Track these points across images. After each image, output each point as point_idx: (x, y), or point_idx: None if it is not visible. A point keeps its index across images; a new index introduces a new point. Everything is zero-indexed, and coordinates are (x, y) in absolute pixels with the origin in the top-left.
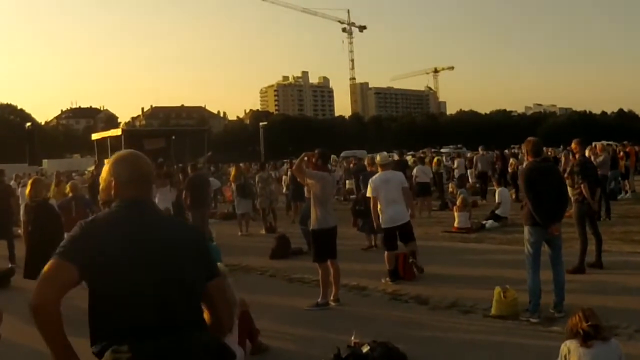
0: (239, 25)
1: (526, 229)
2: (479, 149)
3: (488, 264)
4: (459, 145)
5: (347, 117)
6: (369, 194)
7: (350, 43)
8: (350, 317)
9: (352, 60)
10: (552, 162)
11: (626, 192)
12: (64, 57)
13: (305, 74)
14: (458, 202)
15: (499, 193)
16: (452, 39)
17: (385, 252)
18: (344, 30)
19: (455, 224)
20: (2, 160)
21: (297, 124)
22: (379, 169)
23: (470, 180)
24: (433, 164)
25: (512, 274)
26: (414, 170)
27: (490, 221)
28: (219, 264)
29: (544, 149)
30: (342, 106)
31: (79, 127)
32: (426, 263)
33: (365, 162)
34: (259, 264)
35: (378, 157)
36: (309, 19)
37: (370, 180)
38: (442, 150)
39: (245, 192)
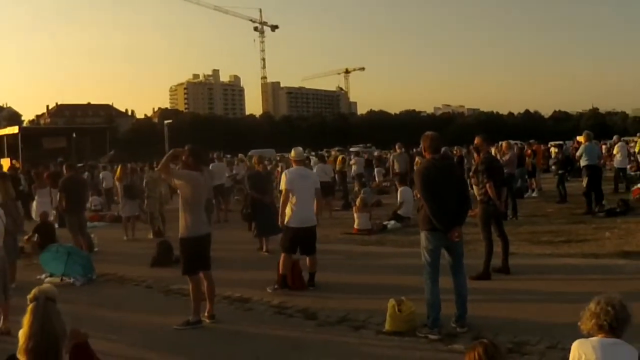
0: (149, 21)
1: (423, 234)
2: (396, 146)
3: (387, 270)
4: (368, 145)
5: (257, 116)
6: (282, 186)
7: (262, 42)
8: (225, 337)
9: (264, 60)
10: (452, 159)
11: (533, 190)
12: None
13: (215, 72)
14: (357, 202)
15: (401, 192)
16: (363, 39)
17: (283, 255)
18: (255, 29)
19: (356, 226)
20: None
21: (206, 123)
22: (293, 165)
23: (377, 179)
24: (337, 163)
25: (412, 281)
26: (314, 169)
27: (392, 222)
28: (46, 283)
29: (452, 148)
30: (253, 105)
31: None
32: (320, 269)
33: (253, 161)
34: (138, 273)
35: (293, 152)
36: (220, 17)
37: (286, 172)
38: (351, 149)
39: (132, 193)
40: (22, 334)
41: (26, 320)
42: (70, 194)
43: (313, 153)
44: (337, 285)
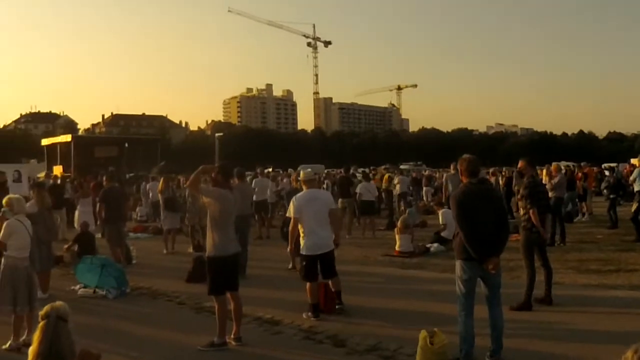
0: (204, 35)
1: (458, 263)
2: (451, 166)
3: (424, 297)
4: (418, 162)
5: (309, 131)
6: (290, 213)
7: (315, 58)
8: None
9: (317, 75)
10: (490, 184)
11: (583, 214)
12: (24, 60)
13: (269, 86)
14: (399, 223)
15: (442, 214)
16: (416, 56)
17: (307, 284)
18: (309, 44)
19: (397, 247)
20: None
21: (258, 137)
22: (304, 187)
23: (425, 198)
24: (384, 181)
25: (449, 310)
26: (358, 188)
27: (435, 245)
28: (59, 302)
29: (503, 168)
30: (305, 120)
31: (37, 131)
32: (355, 293)
33: (292, 178)
34: (172, 287)
35: (301, 174)
36: (274, 32)
37: (293, 199)
38: (401, 166)
39: (172, 206)
40: (31, 351)
41: (36, 337)
42: (109, 205)
43: (360, 170)
44: (371, 310)
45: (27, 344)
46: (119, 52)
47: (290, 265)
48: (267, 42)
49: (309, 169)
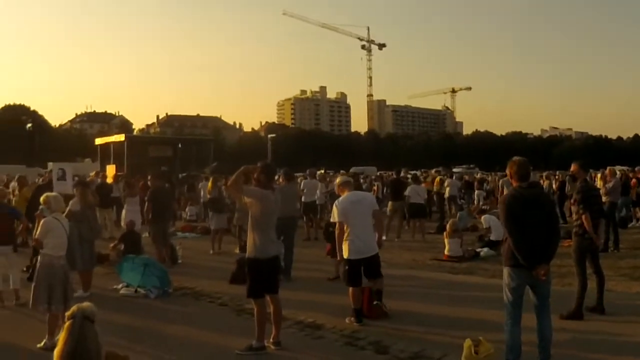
0: (259, 37)
1: (506, 270)
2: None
3: (472, 303)
4: (471, 165)
5: (362, 133)
6: (334, 218)
7: (369, 60)
8: None
9: (370, 77)
10: (541, 188)
11: (638, 220)
12: (80, 60)
13: (323, 88)
14: (448, 227)
15: (484, 219)
16: (470, 59)
17: (350, 289)
18: (363, 47)
19: (446, 252)
20: (6, 161)
21: (311, 138)
22: (341, 191)
23: (476, 202)
24: (435, 184)
25: (497, 317)
26: (407, 190)
27: (485, 249)
28: (87, 303)
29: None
30: (359, 122)
31: (92, 131)
32: (401, 297)
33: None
34: (215, 288)
35: (337, 179)
36: (328, 34)
37: (336, 203)
38: (454, 170)
39: (218, 207)
40: (56, 352)
41: (61, 337)
42: (156, 205)
43: (410, 173)
44: (417, 316)
45: None
46: (174, 53)
47: (334, 275)
48: (321, 44)
49: (342, 177)
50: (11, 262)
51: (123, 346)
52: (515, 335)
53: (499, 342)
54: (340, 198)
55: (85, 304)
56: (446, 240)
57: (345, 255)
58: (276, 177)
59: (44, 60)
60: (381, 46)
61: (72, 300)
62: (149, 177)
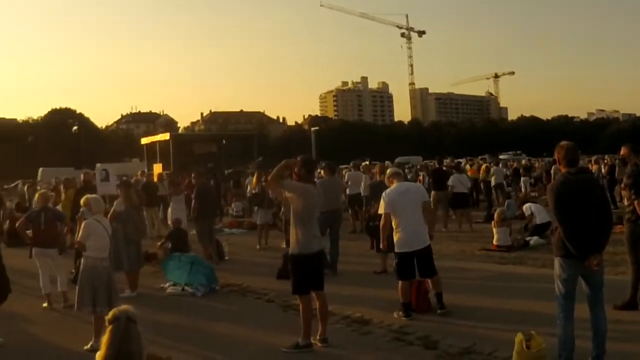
0: (297, 30)
1: (557, 261)
2: None
3: (522, 294)
4: (518, 152)
5: (406, 122)
6: (381, 209)
7: (409, 48)
8: None
9: (411, 66)
10: (591, 173)
11: None
12: (125, 61)
13: (364, 79)
14: (495, 216)
15: (525, 208)
16: (513, 43)
17: (399, 282)
18: (402, 35)
19: (494, 241)
20: (54, 164)
21: (354, 130)
22: (390, 182)
23: (523, 189)
24: (481, 172)
25: (549, 309)
26: (450, 180)
27: (535, 238)
28: (125, 306)
29: (605, 156)
30: (402, 112)
31: (138, 131)
32: (450, 290)
33: (374, 171)
34: (262, 284)
35: (388, 170)
36: (367, 24)
37: (384, 194)
38: (500, 156)
39: (260, 202)
40: (98, 355)
41: (104, 340)
42: (201, 202)
43: (455, 161)
44: (466, 309)
45: None
46: (215, 51)
47: (380, 269)
48: (360, 34)
49: (390, 167)
50: (57, 265)
51: (169, 346)
52: (568, 329)
53: (552, 335)
54: (388, 189)
55: (125, 306)
56: (494, 230)
57: (396, 248)
58: (319, 171)
59: (89, 64)
60: (421, 33)
61: (117, 301)
62: (192, 175)
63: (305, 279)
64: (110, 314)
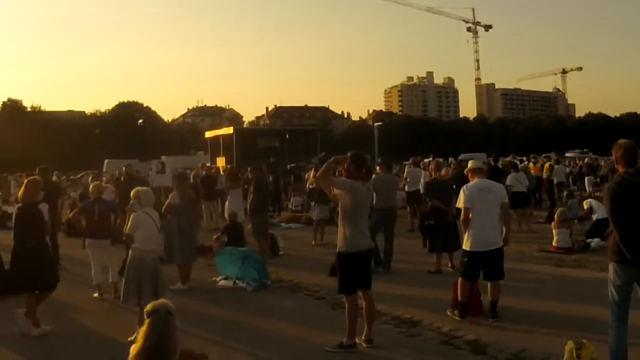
0: (363, 24)
1: (611, 266)
2: None
3: (579, 299)
4: (584, 150)
5: (471, 118)
6: (460, 204)
7: (476, 43)
8: None
9: (477, 61)
10: None
11: None
12: (190, 55)
13: (429, 74)
14: (556, 217)
15: (587, 202)
16: (581, 38)
17: (460, 279)
18: (468, 29)
19: (553, 243)
20: (120, 156)
21: (419, 125)
22: (471, 177)
23: (587, 188)
24: (544, 170)
25: (604, 315)
26: (508, 179)
27: (596, 240)
28: (163, 300)
29: None
30: (468, 107)
31: (204, 125)
32: (504, 292)
33: (430, 168)
34: (314, 281)
35: (470, 163)
36: (433, 18)
37: (464, 188)
38: (566, 154)
39: (321, 197)
40: (134, 347)
41: (142, 333)
42: (257, 196)
43: (519, 159)
44: (519, 313)
45: None
46: (281, 45)
47: (435, 268)
48: (426, 29)
49: (474, 161)
50: (109, 255)
51: (213, 340)
52: (620, 338)
53: (606, 343)
54: (469, 183)
55: (163, 300)
56: (554, 231)
57: (466, 246)
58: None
59: (157, 58)
60: (487, 28)
61: (164, 294)
62: (249, 169)
63: (352, 277)
64: (149, 306)
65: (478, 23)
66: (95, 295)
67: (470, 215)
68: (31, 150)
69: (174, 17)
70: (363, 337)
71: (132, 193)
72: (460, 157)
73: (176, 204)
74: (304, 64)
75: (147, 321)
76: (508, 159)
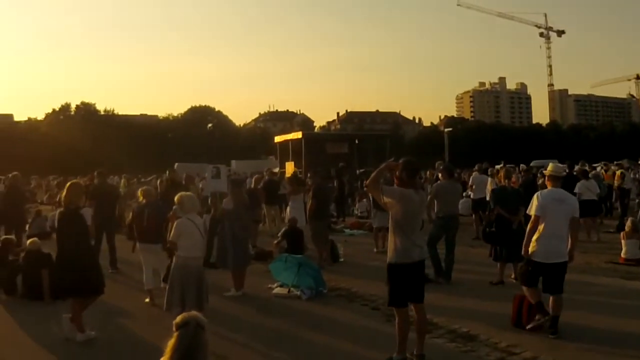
0: (434, 29)
1: None
2: None
3: None
4: None
5: (544, 125)
6: (532, 211)
7: (548, 48)
8: None
9: (550, 66)
10: None
11: None
12: (262, 60)
13: (502, 79)
14: (626, 227)
15: None
16: None
17: (525, 288)
18: (541, 34)
19: (622, 254)
20: (190, 160)
21: (490, 131)
22: (548, 184)
23: None
24: (616, 178)
25: None
26: (577, 187)
27: None
28: (194, 312)
29: None
30: (540, 114)
31: (275, 130)
32: (568, 306)
33: (499, 176)
34: (372, 290)
35: (550, 167)
36: (505, 23)
37: (537, 195)
38: None
39: (377, 203)
40: None
41: (170, 346)
42: (317, 202)
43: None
44: (582, 329)
45: None
46: (351, 51)
47: (497, 280)
48: (498, 34)
49: (557, 163)
50: (160, 260)
51: (259, 350)
52: None
53: None
54: (544, 191)
55: (194, 312)
56: (623, 242)
57: (531, 255)
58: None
59: (229, 63)
60: (560, 33)
61: (207, 302)
62: (309, 175)
63: (402, 290)
64: (179, 318)
65: (550, 28)
66: (147, 300)
67: (540, 224)
68: (102, 153)
69: (248, 23)
70: (414, 352)
71: (175, 198)
72: (531, 164)
73: (230, 209)
74: (376, 69)
75: (175, 334)
76: (577, 166)
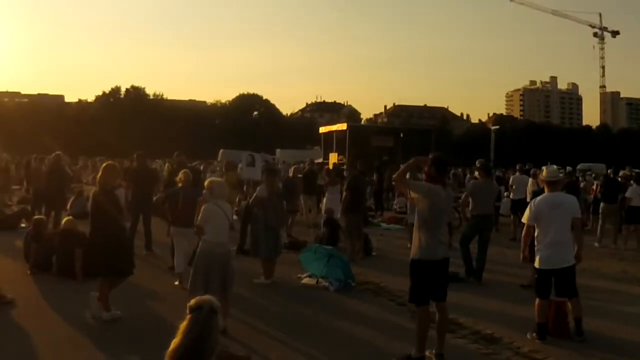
0: (485, 25)
1: None
2: None
3: None
4: None
5: (594, 127)
6: (525, 219)
7: (602, 49)
8: None
9: (603, 67)
10: None
11: None
12: (310, 51)
13: (553, 79)
14: None
15: None
16: None
17: (537, 300)
18: (595, 34)
19: None
20: (236, 147)
21: (538, 131)
22: (545, 188)
23: None
24: None
25: None
26: (628, 192)
27: None
28: (208, 296)
29: None
30: (591, 115)
31: (322, 120)
32: (598, 314)
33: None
34: (400, 286)
35: (544, 171)
36: (558, 21)
37: (532, 203)
38: None
39: None
40: (173, 343)
41: (182, 328)
42: (351, 195)
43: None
44: (609, 340)
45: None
46: (400, 44)
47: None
48: (550, 32)
49: (553, 166)
50: (193, 244)
51: (279, 338)
52: None
53: None
54: (538, 198)
55: (208, 297)
56: None
57: (537, 263)
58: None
59: (278, 51)
60: (615, 34)
61: (231, 288)
62: (344, 167)
63: (424, 287)
64: (193, 301)
65: (605, 28)
66: (176, 283)
67: (537, 232)
68: (149, 137)
69: (300, 14)
70: (434, 351)
71: (205, 183)
72: (578, 167)
73: (264, 197)
74: (425, 63)
75: (188, 317)
76: (624, 171)
